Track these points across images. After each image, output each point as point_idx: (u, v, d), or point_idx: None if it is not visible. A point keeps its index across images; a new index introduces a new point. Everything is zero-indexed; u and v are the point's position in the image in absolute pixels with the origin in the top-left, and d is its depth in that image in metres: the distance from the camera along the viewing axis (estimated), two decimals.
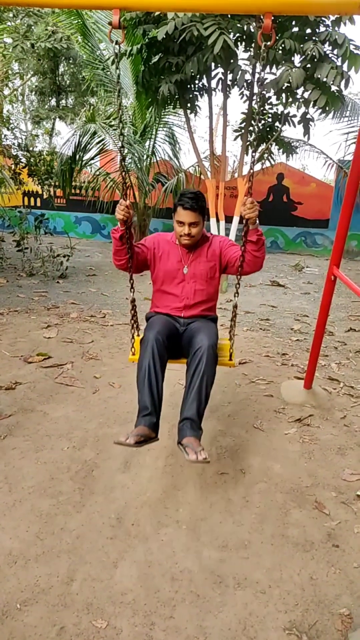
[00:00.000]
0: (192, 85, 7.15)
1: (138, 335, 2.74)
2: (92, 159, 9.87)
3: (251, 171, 2.37)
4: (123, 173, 2.42)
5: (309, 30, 6.09)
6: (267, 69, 6.42)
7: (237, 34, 6.37)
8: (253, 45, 6.49)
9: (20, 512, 2.29)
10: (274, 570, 2.03)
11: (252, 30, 6.08)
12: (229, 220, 7.84)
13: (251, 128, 7.23)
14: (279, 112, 7.29)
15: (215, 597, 1.89)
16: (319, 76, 5.79)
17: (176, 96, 7.21)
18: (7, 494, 2.40)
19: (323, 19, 5.94)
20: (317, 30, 6.03)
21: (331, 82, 5.70)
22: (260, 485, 2.58)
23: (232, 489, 2.55)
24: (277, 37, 5.89)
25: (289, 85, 6.05)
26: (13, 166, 8.73)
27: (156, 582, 1.95)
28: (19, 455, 2.72)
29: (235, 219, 7.78)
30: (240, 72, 6.27)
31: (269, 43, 2.06)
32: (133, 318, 2.74)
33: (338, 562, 2.09)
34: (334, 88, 6.10)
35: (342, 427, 3.27)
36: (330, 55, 5.97)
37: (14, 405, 3.26)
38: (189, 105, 7.36)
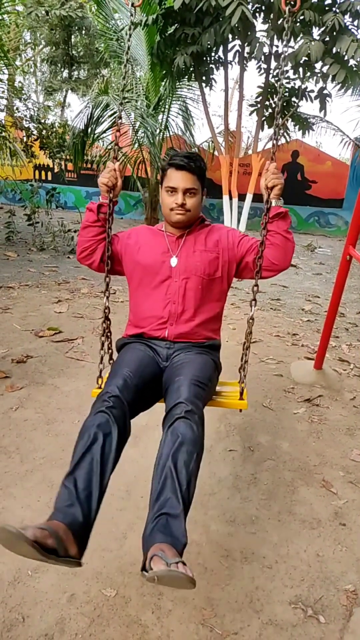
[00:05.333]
0: (208, 58, 7.00)
1: (110, 363, 2.03)
2: (104, 132, 9.73)
3: (274, 142, 1.94)
4: (119, 122, 2.06)
5: (329, 1, 5.90)
6: (285, 48, 6.25)
7: (256, 5, 6.19)
8: (272, 16, 6.31)
9: (32, 482, 2.32)
10: (280, 546, 2.06)
11: (271, 0, 5.89)
12: (241, 198, 7.75)
13: (272, 102, 7.08)
14: (296, 87, 7.13)
15: (222, 570, 1.92)
16: (339, 50, 5.63)
17: (191, 68, 7.07)
18: (18, 464, 2.44)
19: None
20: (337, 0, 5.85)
21: (351, 56, 5.54)
22: (269, 463, 2.60)
23: (240, 465, 2.57)
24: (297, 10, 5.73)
25: (306, 59, 5.90)
26: (25, 138, 8.64)
27: None
28: (30, 427, 2.76)
29: (249, 197, 7.68)
30: (258, 44, 6.11)
31: (294, 8, 1.93)
32: (104, 334, 2.02)
33: (345, 540, 2.11)
34: (352, 62, 5.94)
35: (351, 408, 3.27)
36: (350, 27, 5.80)
37: (25, 378, 3.29)
38: (204, 78, 7.21)
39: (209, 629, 1.68)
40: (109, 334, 2.04)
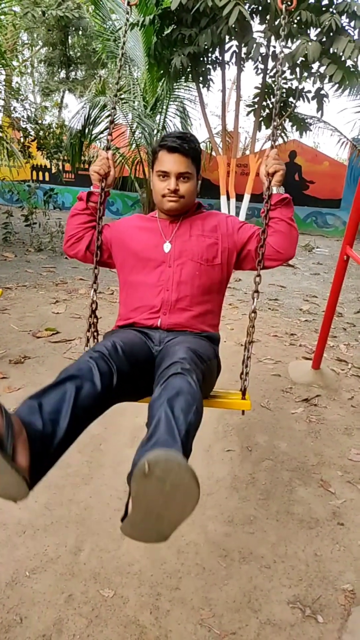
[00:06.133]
0: (205, 58, 7.01)
1: None
2: (102, 132, 9.73)
3: (274, 129, 1.88)
4: (112, 112, 2.01)
5: (326, 1, 5.92)
6: (282, 43, 6.28)
7: (253, 5, 6.21)
8: (268, 17, 6.32)
9: None
10: (278, 546, 2.06)
11: (268, 1, 5.90)
12: (239, 199, 7.76)
13: (269, 102, 7.09)
14: (294, 87, 7.14)
15: (220, 570, 1.92)
16: (336, 50, 5.65)
17: (188, 69, 7.07)
18: None
19: None
20: (334, 0, 5.86)
21: (348, 57, 5.56)
22: (267, 463, 2.60)
23: (238, 465, 2.57)
24: (294, 9, 5.75)
25: (304, 59, 5.91)
26: (22, 139, 8.64)
27: (162, 554, 1.98)
28: None
29: (246, 197, 7.69)
30: (255, 44, 6.13)
31: (290, 7, 1.92)
32: (89, 329, 1.90)
33: (343, 539, 2.11)
34: (349, 63, 5.96)
35: (349, 407, 3.28)
36: (347, 28, 5.82)
37: (23, 379, 3.28)
38: (201, 78, 7.22)
39: (207, 629, 1.67)
40: (95, 333, 1.90)
